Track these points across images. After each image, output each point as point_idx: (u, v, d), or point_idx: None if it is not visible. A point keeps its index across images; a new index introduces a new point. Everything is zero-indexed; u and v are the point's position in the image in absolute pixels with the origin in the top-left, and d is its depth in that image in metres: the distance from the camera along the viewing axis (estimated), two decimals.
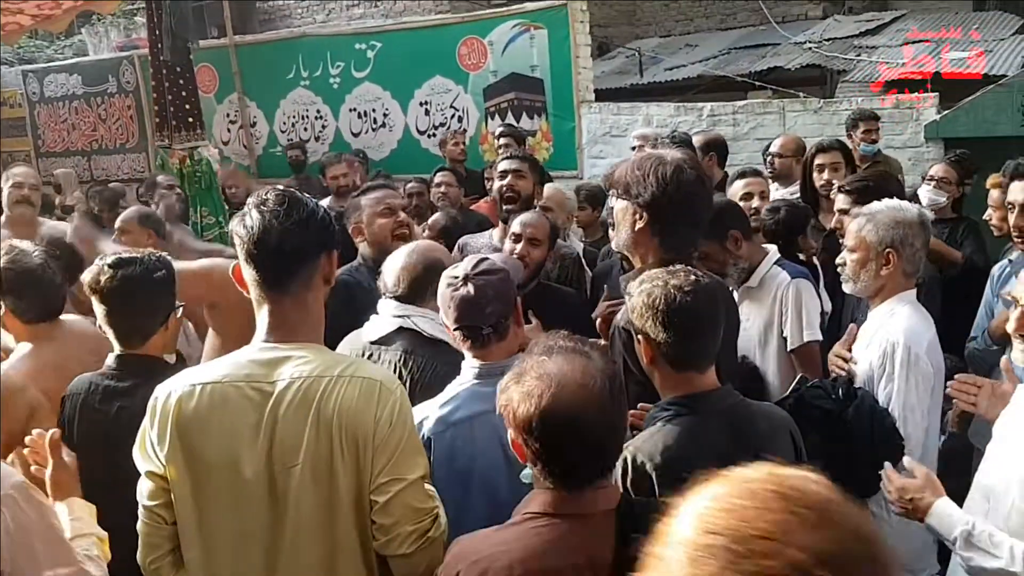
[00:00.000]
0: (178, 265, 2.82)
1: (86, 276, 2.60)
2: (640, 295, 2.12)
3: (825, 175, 4.54)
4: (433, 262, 2.76)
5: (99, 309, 2.55)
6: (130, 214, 4.70)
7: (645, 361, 2.17)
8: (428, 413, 2.28)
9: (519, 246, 3.38)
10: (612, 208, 2.74)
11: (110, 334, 2.57)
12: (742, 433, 2.10)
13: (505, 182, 3.90)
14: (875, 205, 2.88)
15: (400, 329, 2.69)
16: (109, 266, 2.53)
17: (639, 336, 2.15)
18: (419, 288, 2.73)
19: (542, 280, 3.54)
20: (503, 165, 3.98)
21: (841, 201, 3.67)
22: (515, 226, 3.46)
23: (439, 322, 2.63)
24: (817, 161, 4.63)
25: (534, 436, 1.68)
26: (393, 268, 2.79)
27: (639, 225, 2.48)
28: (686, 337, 2.07)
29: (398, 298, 2.75)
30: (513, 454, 2.24)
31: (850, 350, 2.93)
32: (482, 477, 2.24)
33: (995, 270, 3.62)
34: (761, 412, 2.27)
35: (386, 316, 2.74)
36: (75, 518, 2.02)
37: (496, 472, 2.23)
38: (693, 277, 2.10)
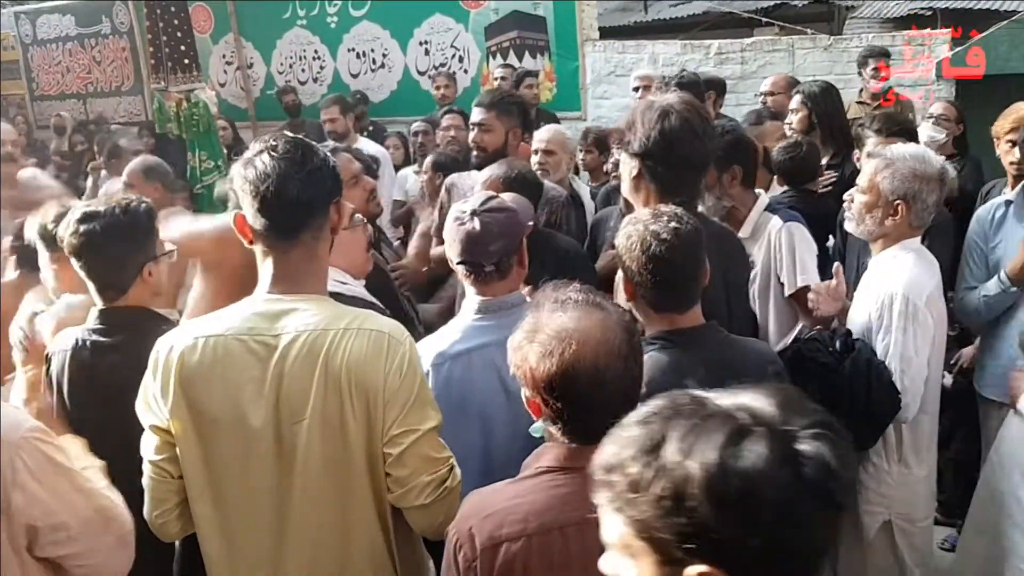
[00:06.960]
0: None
1: (60, 231, 2.53)
2: (623, 235, 2.16)
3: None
4: None
5: (75, 264, 2.49)
6: (135, 167, 4.43)
7: (627, 297, 2.21)
8: (427, 347, 2.26)
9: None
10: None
11: (90, 288, 2.51)
12: (723, 363, 2.09)
13: (472, 136, 3.83)
14: (898, 149, 2.75)
15: None
16: (76, 221, 2.45)
17: (624, 272, 2.17)
18: None
19: (540, 227, 3.41)
20: (473, 116, 3.85)
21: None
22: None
23: (339, 279, 2.44)
24: None
25: (555, 395, 1.60)
26: None
27: (634, 172, 2.57)
28: (661, 284, 2.10)
29: None
30: (512, 387, 2.21)
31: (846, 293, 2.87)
32: (479, 410, 2.22)
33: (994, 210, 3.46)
34: (745, 346, 2.27)
35: None
36: (74, 455, 2.00)
37: (494, 406, 2.21)
38: (674, 225, 2.09)
